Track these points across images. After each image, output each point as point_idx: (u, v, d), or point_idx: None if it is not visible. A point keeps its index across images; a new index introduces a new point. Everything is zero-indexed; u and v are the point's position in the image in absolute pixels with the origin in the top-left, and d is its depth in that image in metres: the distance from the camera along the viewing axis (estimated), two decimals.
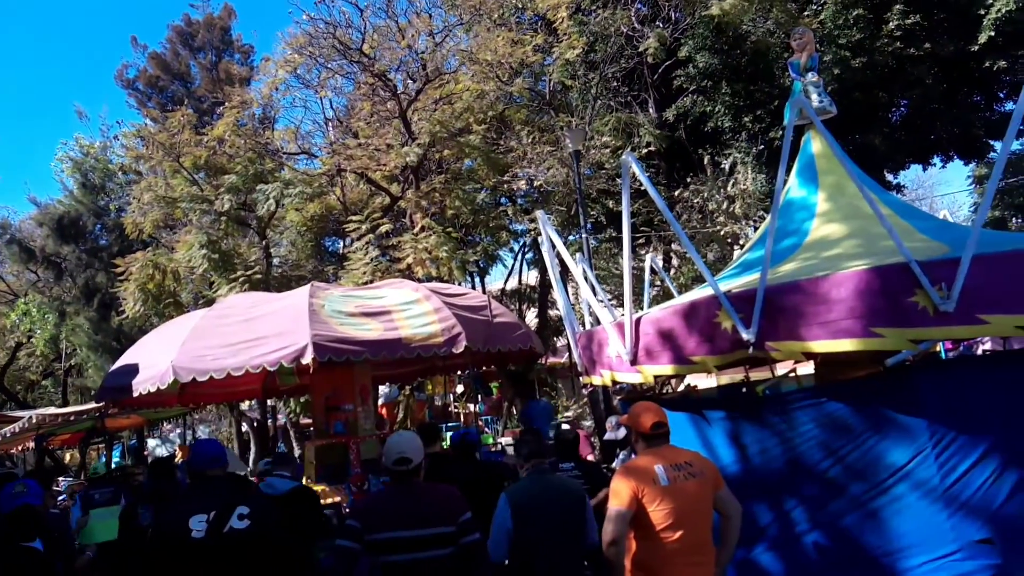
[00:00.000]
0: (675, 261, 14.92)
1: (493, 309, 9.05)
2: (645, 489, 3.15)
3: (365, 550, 3.24)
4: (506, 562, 3.63)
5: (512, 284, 19.35)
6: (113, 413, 11.49)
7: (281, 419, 17.47)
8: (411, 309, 8.20)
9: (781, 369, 6.49)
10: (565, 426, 8.36)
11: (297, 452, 14.49)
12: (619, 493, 3.19)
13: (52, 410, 15.73)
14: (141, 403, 9.16)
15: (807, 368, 5.57)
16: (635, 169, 4.30)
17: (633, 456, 3.64)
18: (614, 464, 6.46)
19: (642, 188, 4.37)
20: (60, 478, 15.94)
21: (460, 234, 14.20)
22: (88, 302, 20.71)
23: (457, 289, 10.15)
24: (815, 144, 5.43)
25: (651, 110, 16.03)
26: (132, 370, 7.88)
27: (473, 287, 16.73)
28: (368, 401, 9.48)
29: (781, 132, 14.10)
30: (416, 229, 13.15)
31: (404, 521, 3.26)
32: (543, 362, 16.65)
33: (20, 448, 17.48)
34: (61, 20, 69.32)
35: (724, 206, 12.65)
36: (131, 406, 10.03)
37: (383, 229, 13.30)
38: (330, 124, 17.36)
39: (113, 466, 16.40)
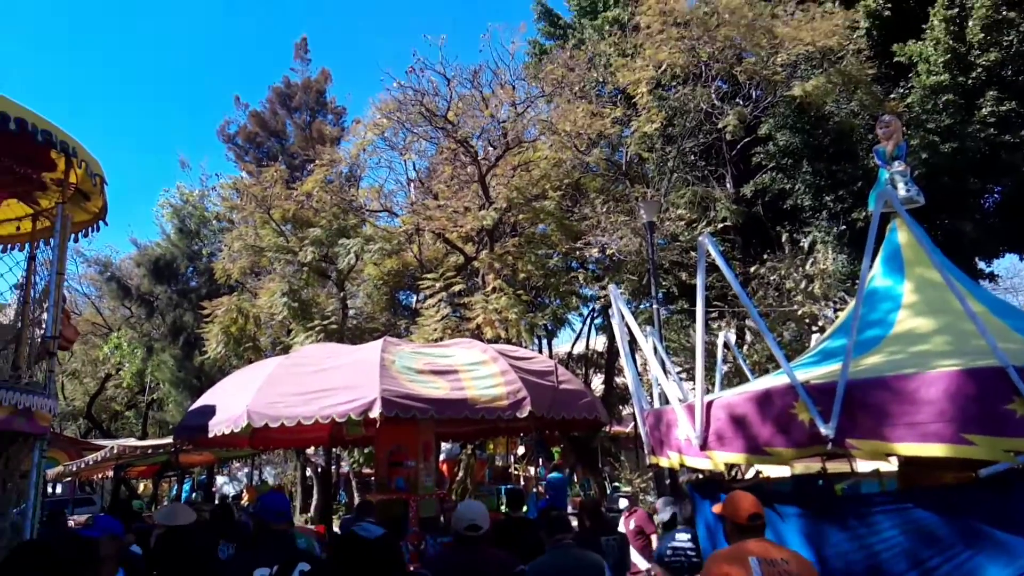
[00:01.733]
0: (748, 337, 14.52)
1: (560, 375, 9.01)
2: None
3: None
4: None
5: (579, 348, 19.25)
6: (187, 449, 11.90)
7: (344, 467, 17.67)
8: (478, 370, 8.26)
9: (861, 465, 6.17)
10: (623, 501, 8.14)
11: (357, 501, 14.55)
12: None
13: (132, 441, 16.43)
14: (214, 443, 9.46)
15: (890, 466, 5.27)
16: (711, 250, 4.29)
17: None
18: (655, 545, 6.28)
19: (716, 263, 4.35)
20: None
21: (530, 297, 14.33)
22: (174, 340, 21.77)
23: (525, 352, 10.17)
24: (901, 234, 5.28)
25: (728, 185, 15.98)
26: (209, 411, 8.19)
27: (540, 350, 16.74)
28: (430, 458, 9.50)
29: (864, 213, 13.77)
30: (488, 289, 13.35)
31: None
32: (607, 430, 16.34)
33: (100, 476, 18.29)
34: (172, 76, 75.36)
35: (802, 285, 12.32)
36: (205, 444, 10.37)
37: (456, 288, 13.56)
38: (412, 185, 18.04)
39: (183, 498, 16.88)
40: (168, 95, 76.67)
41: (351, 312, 15.92)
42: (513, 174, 14.61)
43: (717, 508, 3.73)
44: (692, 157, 16.20)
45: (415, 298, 17.07)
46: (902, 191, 5.13)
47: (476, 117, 14.90)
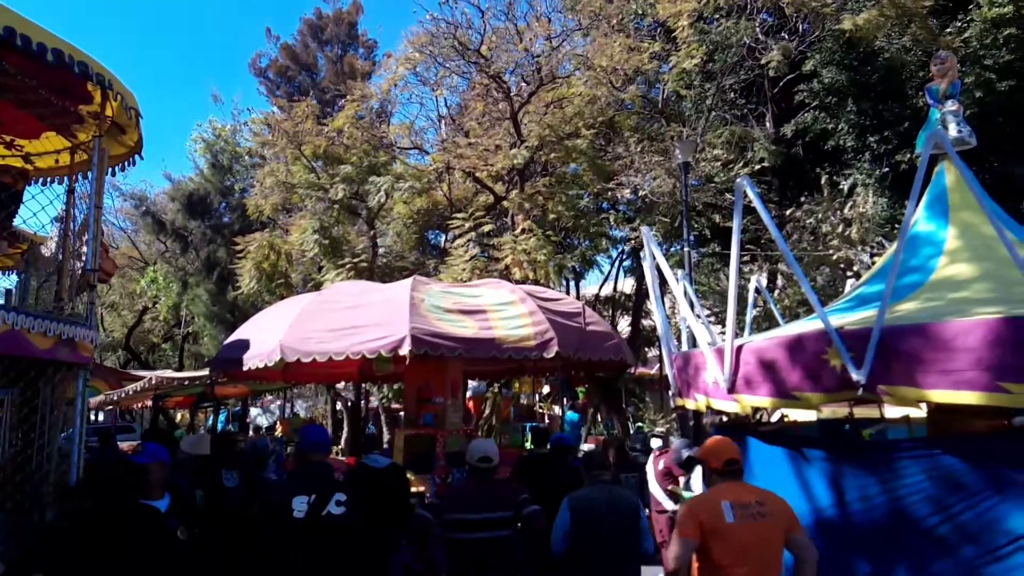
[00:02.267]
0: (780, 282, 14.32)
1: (587, 317, 9.02)
2: (710, 523, 3.27)
3: (439, 525, 3.97)
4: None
5: (607, 291, 19.21)
6: (222, 382, 12.27)
7: (374, 402, 18.10)
8: (506, 310, 8.31)
9: (890, 411, 6.12)
10: (656, 441, 8.24)
11: (386, 436, 14.97)
12: (684, 524, 3.33)
13: (169, 373, 17.01)
14: (248, 375, 9.74)
15: (920, 413, 5.22)
16: (750, 193, 4.18)
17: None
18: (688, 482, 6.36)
19: (752, 205, 4.24)
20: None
21: (559, 238, 14.24)
22: (208, 275, 22.19)
23: (553, 294, 10.18)
24: (949, 177, 5.07)
25: (768, 124, 15.47)
26: (244, 345, 8.40)
27: (568, 291, 16.73)
28: (458, 395, 9.69)
29: (909, 155, 13.26)
30: (517, 230, 13.28)
31: (475, 506, 4.02)
32: (632, 372, 16.44)
33: (140, 405, 19.04)
34: (204, 7, 74.56)
35: (839, 229, 12.01)
36: (239, 377, 10.68)
37: (485, 228, 13.52)
38: (443, 122, 17.82)
39: (218, 429, 17.54)
40: (200, 27, 76.09)
41: (381, 250, 16.02)
42: (546, 111, 14.32)
43: (696, 452, 4.04)
44: (731, 95, 15.65)
45: (444, 238, 17.09)
46: (953, 131, 4.90)
47: (510, 51, 14.55)
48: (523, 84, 15.49)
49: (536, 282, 12.02)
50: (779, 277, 14.38)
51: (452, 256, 13.19)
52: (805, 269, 11.68)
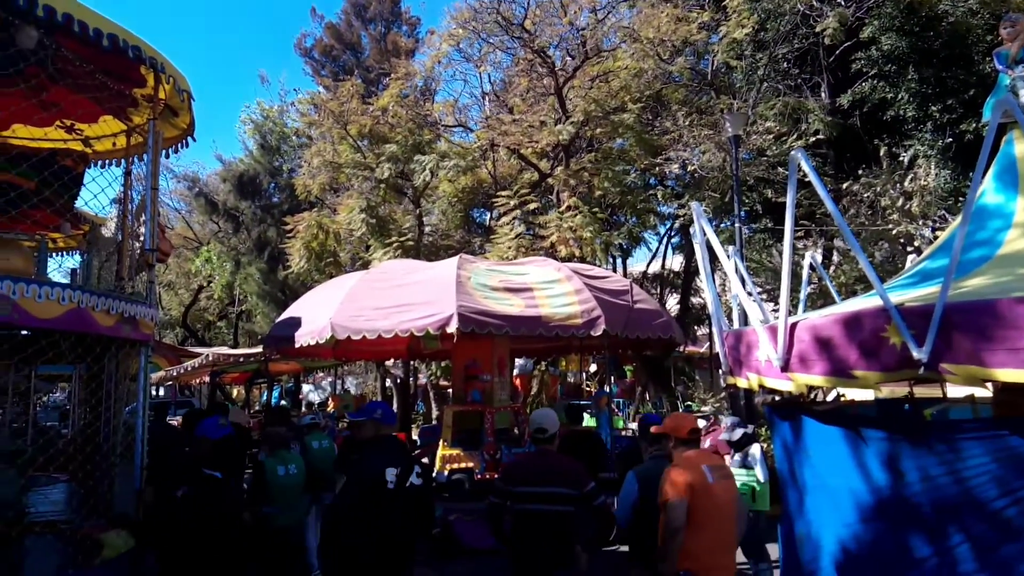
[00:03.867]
0: (836, 258, 13.89)
1: (635, 294, 8.94)
2: (699, 484, 3.63)
3: (507, 499, 4.11)
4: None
5: (655, 268, 18.97)
6: (275, 359, 12.60)
7: (422, 379, 18.35)
8: (553, 288, 8.29)
9: (953, 391, 5.90)
10: (701, 422, 8.14)
11: (435, 413, 15.18)
12: (677, 484, 3.65)
13: (225, 350, 17.53)
14: (300, 353, 9.97)
15: (984, 393, 5.02)
16: (804, 166, 4.03)
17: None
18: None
19: (807, 179, 4.10)
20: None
21: (606, 215, 14.08)
22: (260, 254, 22.71)
23: (600, 271, 10.11)
24: (1019, 145, 4.80)
25: (823, 95, 14.91)
26: (295, 323, 8.59)
27: (615, 269, 16.59)
28: (505, 373, 9.75)
29: (975, 124, 12.64)
30: (563, 207, 13.19)
31: (536, 479, 4.09)
32: (681, 350, 16.25)
33: (198, 381, 19.72)
34: None
35: (899, 203, 11.54)
36: (291, 354, 10.94)
37: (530, 206, 13.47)
38: (487, 98, 17.73)
39: (272, 404, 18.04)
40: (247, 7, 77.19)
41: (427, 229, 16.13)
42: (591, 86, 14.10)
43: (656, 428, 4.31)
44: (784, 65, 15.10)
45: (489, 216, 17.08)
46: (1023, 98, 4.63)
47: (554, 25, 14.34)
48: (568, 58, 15.27)
49: (582, 260, 11.94)
50: (835, 253, 13.95)
51: (497, 234, 13.19)
52: (863, 244, 11.27)
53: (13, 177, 5.34)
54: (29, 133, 6.28)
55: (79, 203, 6.65)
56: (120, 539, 4.45)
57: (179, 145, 6.49)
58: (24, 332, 5.12)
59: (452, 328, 7.11)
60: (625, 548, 4.37)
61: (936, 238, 9.16)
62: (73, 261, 7.79)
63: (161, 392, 23.29)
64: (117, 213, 6.35)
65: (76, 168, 6.45)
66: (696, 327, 18.21)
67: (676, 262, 19.08)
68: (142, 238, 5.80)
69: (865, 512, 3.90)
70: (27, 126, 6.18)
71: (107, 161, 6.74)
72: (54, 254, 7.64)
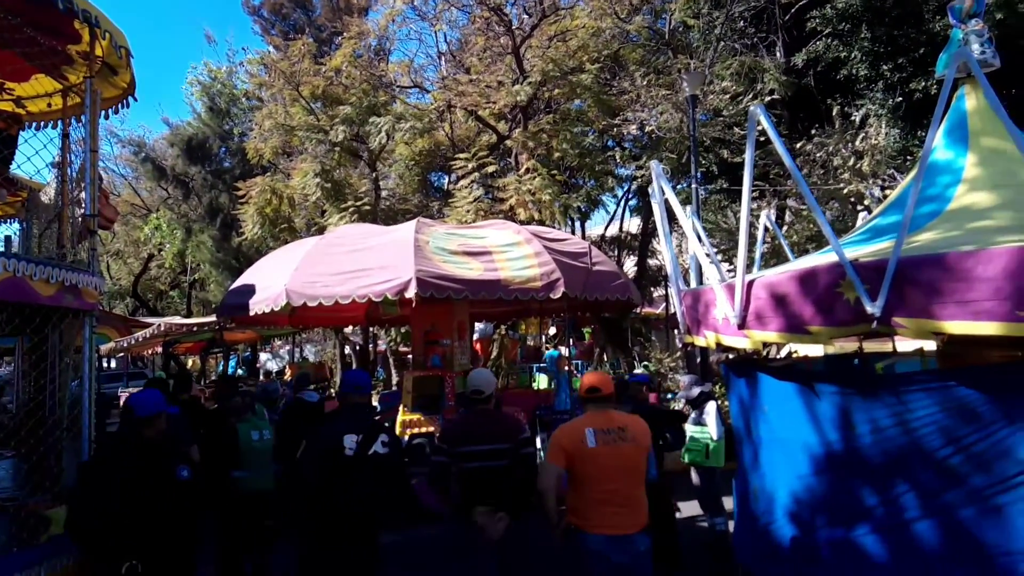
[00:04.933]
0: (788, 217, 14.13)
1: (593, 257, 8.94)
2: (574, 448, 3.80)
3: (452, 460, 4.18)
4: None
5: (613, 230, 19.05)
6: (231, 327, 12.34)
7: (382, 345, 18.23)
8: (512, 251, 8.23)
9: (902, 345, 6.08)
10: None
11: (395, 379, 15.12)
12: (552, 451, 3.87)
13: (178, 319, 17.10)
14: (256, 321, 9.76)
15: (933, 346, 5.18)
16: (763, 122, 4.03)
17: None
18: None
19: (763, 139, 4.11)
20: None
21: (564, 177, 14.02)
22: (212, 221, 22.09)
23: (558, 234, 10.08)
24: (969, 100, 4.87)
25: (779, 54, 14.98)
26: (249, 290, 8.38)
27: (573, 231, 16.60)
28: (465, 337, 9.71)
29: (924, 83, 12.87)
30: (521, 170, 13.08)
31: (476, 438, 4.23)
32: (638, 311, 16.44)
33: (150, 352, 19.25)
34: None
35: (850, 162, 11.75)
36: (247, 323, 10.72)
37: (488, 169, 13.32)
38: (443, 58, 17.35)
39: (229, 374, 17.75)
40: None
41: (384, 193, 15.85)
42: (549, 45, 13.90)
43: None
44: (741, 23, 15.09)
45: (447, 179, 16.86)
46: (977, 52, 4.68)
47: None
48: (525, 17, 15.01)
49: (541, 222, 11.90)
50: (787, 213, 14.19)
51: (456, 198, 13.04)
52: None
53: None
54: None
55: (13, 167, 6.31)
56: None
57: (119, 105, 6.15)
58: None
59: (411, 293, 7.02)
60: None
61: (885, 197, 9.36)
62: (11, 229, 7.42)
63: (112, 364, 22.72)
64: (56, 177, 6.04)
65: (9, 130, 6.08)
66: (652, 288, 18.42)
67: (633, 224, 19.19)
68: (83, 204, 5.53)
69: (817, 464, 4.02)
70: None
71: (43, 123, 6.38)
72: None
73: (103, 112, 5.89)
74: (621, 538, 3.80)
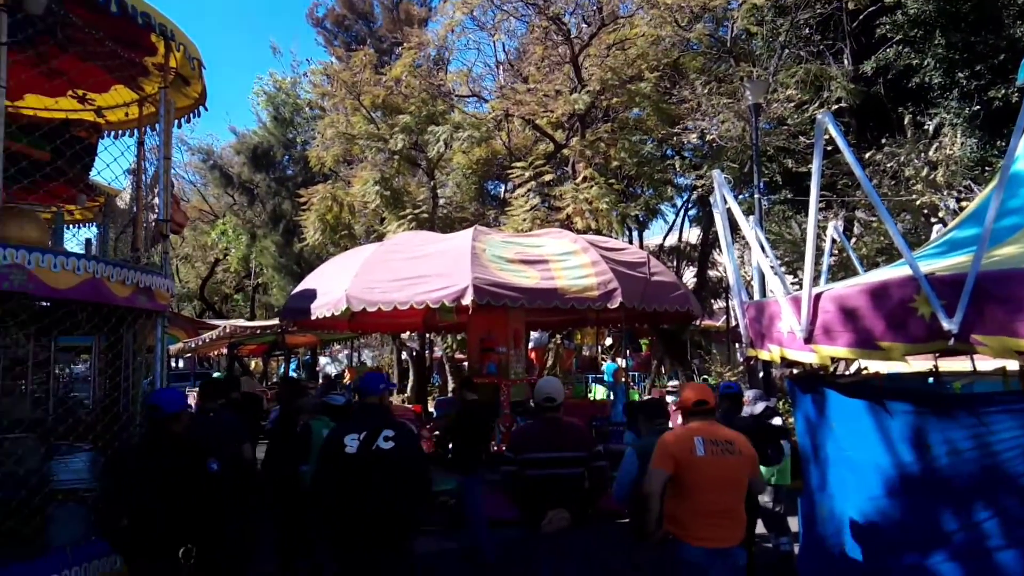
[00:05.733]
0: (857, 229, 13.66)
1: (651, 267, 8.82)
2: (683, 456, 3.71)
3: (519, 467, 4.15)
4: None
5: (672, 240, 18.78)
6: (292, 331, 12.65)
7: (438, 352, 18.39)
8: (569, 260, 8.19)
9: (982, 364, 5.77)
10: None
11: (451, 385, 15.22)
12: (660, 456, 3.77)
13: (242, 322, 17.65)
14: (316, 325, 9.98)
15: (1016, 365, 4.90)
16: (832, 130, 3.89)
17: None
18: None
19: (830, 148, 3.96)
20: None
21: (622, 186, 13.89)
22: (275, 227, 22.73)
23: (617, 243, 9.98)
24: None
25: (846, 61, 14.52)
26: (311, 295, 8.58)
27: (631, 241, 16.42)
28: (520, 345, 9.70)
29: (1004, 91, 12.27)
30: (578, 179, 13.02)
31: (545, 444, 4.18)
32: (698, 324, 16.14)
33: (216, 353, 19.92)
34: None
35: (923, 173, 11.27)
36: (308, 327, 10.96)
37: (545, 177, 13.32)
38: (501, 68, 17.47)
39: (290, 376, 18.20)
40: None
41: (441, 201, 16.01)
42: (607, 54, 13.82)
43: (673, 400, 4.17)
44: (806, 30, 14.72)
45: (504, 188, 16.93)
46: None
47: None
48: (583, 25, 14.97)
49: (598, 232, 11.81)
50: (856, 225, 13.72)
51: (512, 206, 13.07)
52: None
53: (25, 147, 5.29)
54: (40, 103, 6.24)
55: (93, 174, 6.64)
56: None
57: (191, 114, 6.42)
58: (44, 303, 5.13)
59: (467, 300, 7.05)
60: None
61: (961, 209, 8.94)
62: (91, 233, 7.80)
63: (180, 364, 23.58)
64: (131, 184, 6.32)
65: (89, 139, 6.41)
66: (713, 300, 18.07)
67: (693, 235, 18.87)
68: (156, 209, 5.77)
69: (890, 486, 3.84)
70: (39, 96, 6.13)
71: (120, 131, 6.70)
72: (71, 226, 7.65)
73: (176, 121, 6.15)
74: (721, 551, 3.72)
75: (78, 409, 6.21)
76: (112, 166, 6.09)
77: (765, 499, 6.07)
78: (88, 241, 6.25)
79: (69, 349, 7.31)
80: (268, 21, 72.06)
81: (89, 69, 5.47)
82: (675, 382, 14.28)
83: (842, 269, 10.04)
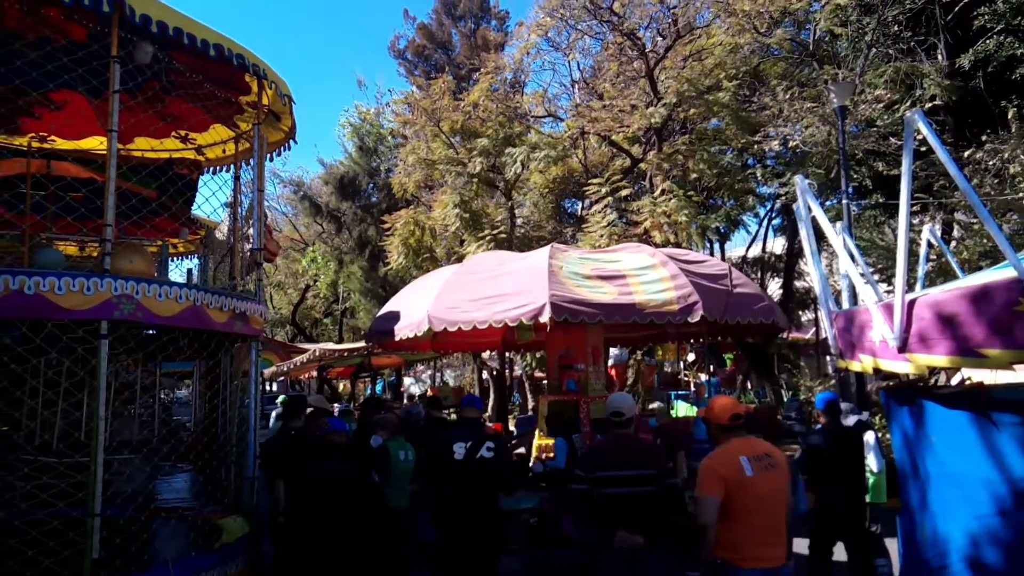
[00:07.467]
0: (957, 232, 12.85)
1: (734, 278, 8.58)
2: (733, 478, 3.60)
3: (591, 487, 4.08)
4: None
5: (755, 251, 18.23)
6: (377, 352, 13.02)
7: (517, 370, 18.47)
8: (647, 275, 8.07)
9: None
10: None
11: (530, 403, 15.25)
12: (709, 482, 3.63)
13: (331, 345, 18.31)
14: (401, 346, 10.22)
15: None
16: (923, 128, 3.72)
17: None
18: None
19: (923, 148, 3.77)
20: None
21: (702, 198, 13.64)
22: (361, 253, 23.54)
23: (696, 256, 9.78)
24: None
25: (940, 57, 13.77)
26: (395, 317, 8.82)
27: (712, 253, 16.07)
28: (599, 362, 9.61)
29: None
30: (656, 192, 12.89)
31: (617, 463, 4.12)
32: (784, 337, 15.54)
33: (307, 376, 20.73)
34: None
35: None
36: (392, 348, 11.26)
37: (622, 192, 13.25)
38: (576, 86, 17.57)
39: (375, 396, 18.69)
40: (344, 13, 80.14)
41: (519, 221, 16.19)
42: (684, 65, 13.69)
43: (701, 412, 4.07)
44: (896, 28, 14.05)
45: (580, 205, 16.95)
46: None
47: (644, 5, 14.02)
48: (658, 39, 14.90)
49: (678, 245, 11.63)
50: (955, 228, 12.92)
51: (589, 223, 13.06)
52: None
53: (133, 185, 5.74)
54: (148, 144, 6.75)
55: (194, 208, 7.11)
56: (237, 524, 4.71)
57: (282, 148, 6.79)
58: (150, 331, 5.52)
59: (545, 317, 7.06)
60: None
61: None
62: (192, 264, 8.34)
63: (274, 387, 24.66)
64: (228, 216, 6.74)
65: (191, 176, 6.89)
66: (800, 312, 17.40)
67: (778, 245, 18.27)
68: (251, 239, 6.12)
69: (1000, 504, 3.58)
70: (146, 138, 6.64)
71: (218, 167, 7.16)
72: (175, 258, 8.20)
73: (268, 155, 6.53)
74: (773, 571, 3.65)
75: (180, 431, 6.61)
76: (211, 200, 6.52)
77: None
78: (189, 271, 6.67)
79: (172, 374, 7.81)
80: (355, 56, 75.38)
81: (191, 110, 5.89)
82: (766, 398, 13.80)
83: (941, 275, 9.46)
